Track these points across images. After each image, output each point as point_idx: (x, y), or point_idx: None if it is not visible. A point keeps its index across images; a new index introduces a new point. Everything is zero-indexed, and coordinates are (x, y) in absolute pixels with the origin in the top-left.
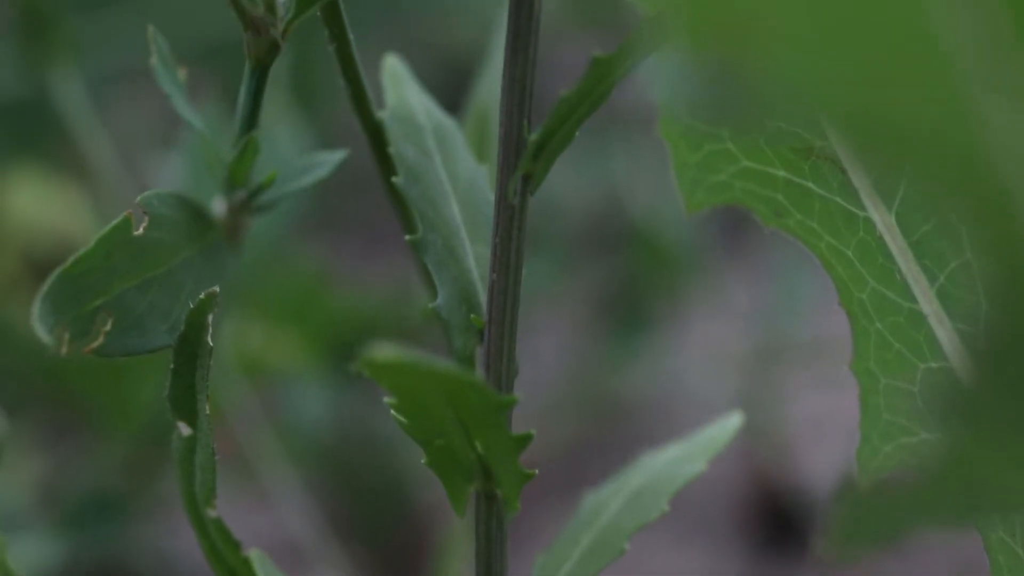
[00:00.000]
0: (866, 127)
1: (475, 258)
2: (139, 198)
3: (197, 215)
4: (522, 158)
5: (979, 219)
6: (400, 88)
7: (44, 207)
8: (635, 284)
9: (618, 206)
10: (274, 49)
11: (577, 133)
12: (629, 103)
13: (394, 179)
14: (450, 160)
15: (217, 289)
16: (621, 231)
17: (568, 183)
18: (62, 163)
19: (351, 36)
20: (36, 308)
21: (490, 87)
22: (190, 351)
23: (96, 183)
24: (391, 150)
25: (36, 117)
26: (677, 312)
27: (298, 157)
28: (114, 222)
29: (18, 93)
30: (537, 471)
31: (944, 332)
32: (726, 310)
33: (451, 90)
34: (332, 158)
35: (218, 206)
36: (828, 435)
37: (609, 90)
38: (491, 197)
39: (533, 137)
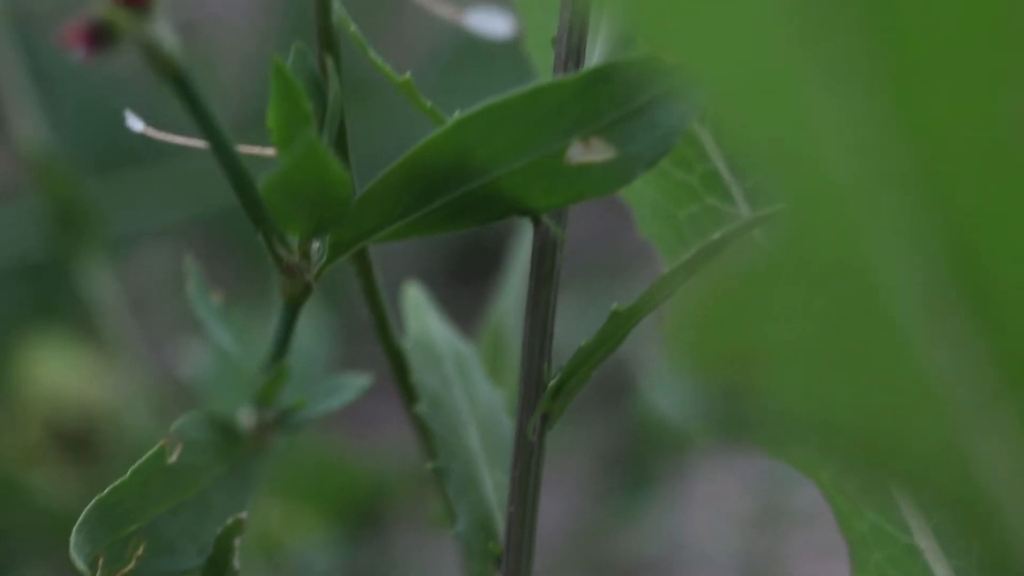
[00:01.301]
0: (863, 449)
1: (493, 485)
2: (173, 426)
3: (227, 433)
4: (542, 399)
5: (971, 531)
6: (421, 317)
7: (66, 375)
8: (638, 440)
9: (622, 357)
10: (307, 290)
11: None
12: (637, 248)
13: (417, 408)
14: (469, 387)
15: (244, 515)
16: (625, 384)
17: (573, 330)
18: (83, 328)
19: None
20: (73, 537)
21: (506, 306)
22: (216, 573)
23: (116, 352)
24: (414, 379)
25: (56, 281)
26: (681, 469)
27: (325, 377)
28: (150, 452)
29: (39, 257)
30: None
31: (940, 568)
32: (730, 468)
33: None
34: (357, 383)
35: (246, 418)
36: None
37: (624, 336)
38: (508, 423)
39: (553, 382)
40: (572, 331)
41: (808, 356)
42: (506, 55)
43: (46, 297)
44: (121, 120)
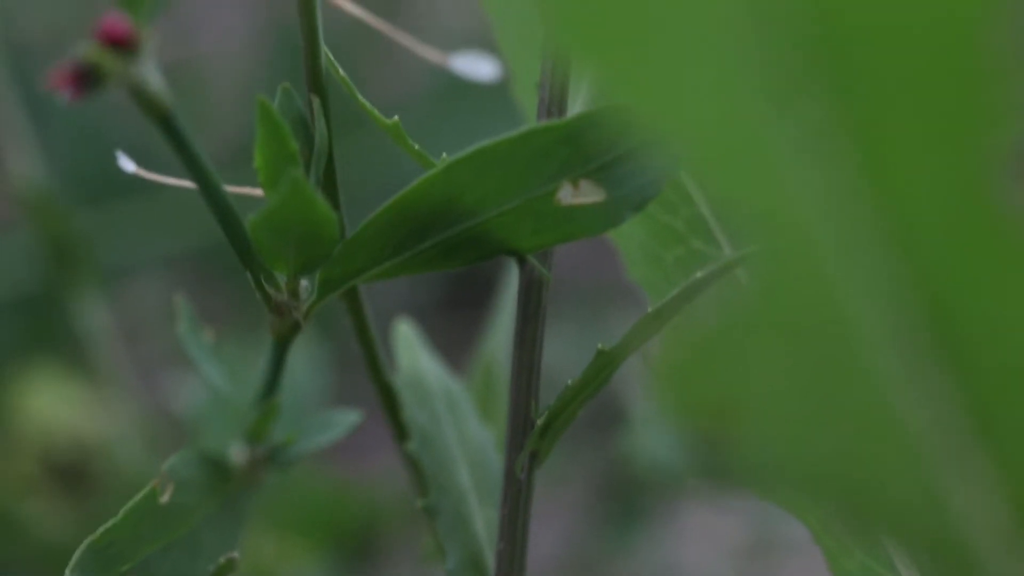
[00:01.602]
0: (843, 498)
1: (484, 522)
2: (165, 466)
3: (218, 470)
4: (529, 437)
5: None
6: (412, 353)
7: (59, 407)
8: (630, 470)
9: (614, 386)
10: (296, 328)
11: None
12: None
13: (408, 446)
14: (459, 424)
15: (236, 554)
16: (616, 413)
17: (562, 359)
18: (75, 360)
19: (367, 312)
20: None
21: (497, 341)
22: None
23: (108, 384)
24: (405, 416)
25: (49, 313)
26: (673, 499)
27: (316, 412)
28: (142, 492)
29: (32, 289)
30: None
31: None
32: (722, 499)
33: None
34: (348, 419)
35: (237, 455)
36: None
37: (610, 376)
38: (498, 461)
39: (540, 421)
40: (562, 360)
41: (786, 408)
42: (495, 92)
43: (39, 329)
44: (114, 151)
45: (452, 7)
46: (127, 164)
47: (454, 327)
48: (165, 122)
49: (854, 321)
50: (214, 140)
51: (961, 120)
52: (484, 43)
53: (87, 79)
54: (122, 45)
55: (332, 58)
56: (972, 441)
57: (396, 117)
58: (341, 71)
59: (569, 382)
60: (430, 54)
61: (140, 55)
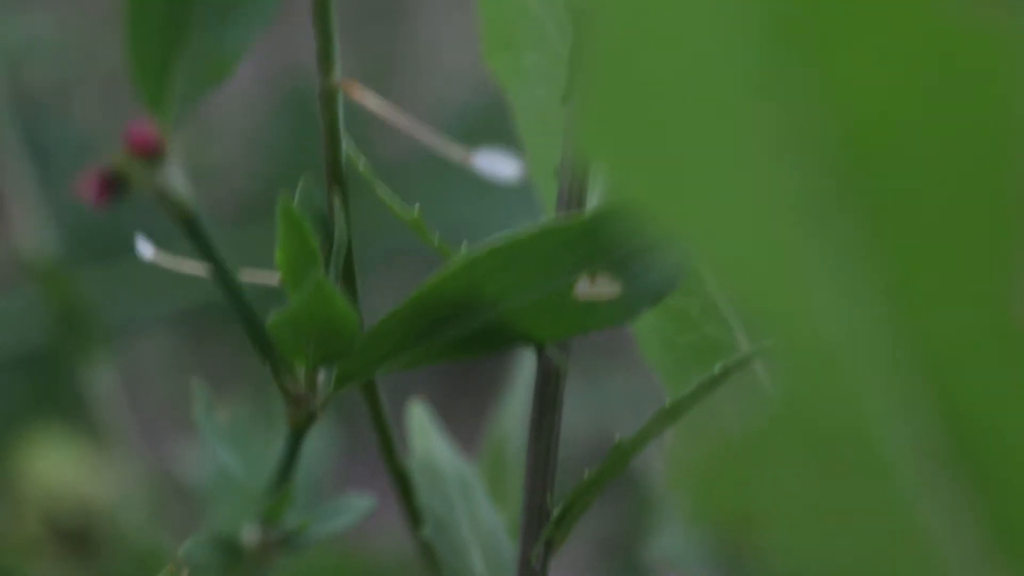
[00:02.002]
0: None
1: None
2: (181, 551)
3: (231, 552)
4: (545, 527)
5: None
6: (426, 437)
7: (65, 470)
8: (639, 526)
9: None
10: (312, 419)
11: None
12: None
13: (423, 532)
14: (472, 509)
15: None
16: (627, 472)
17: (573, 416)
18: (81, 422)
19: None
20: None
21: (508, 424)
22: None
23: (114, 446)
24: (419, 501)
25: (55, 374)
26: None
27: (330, 497)
28: None
29: (37, 349)
30: None
31: None
32: None
33: None
34: (362, 504)
35: (249, 536)
36: None
37: (626, 466)
38: (510, 546)
39: (556, 511)
40: (570, 418)
41: (809, 518)
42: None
43: (44, 389)
44: (120, 206)
45: (452, 46)
46: (145, 250)
47: (462, 409)
48: (189, 224)
49: (876, 434)
50: (222, 190)
51: (988, 244)
52: (482, 86)
53: (114, 186)
54: (149, 153)
55: (352, 153)
56: (991, 555)
57: (417, 207)
58: (362, 164)
59: (585, 474)
60: (454, 152)
61: (166, 161)
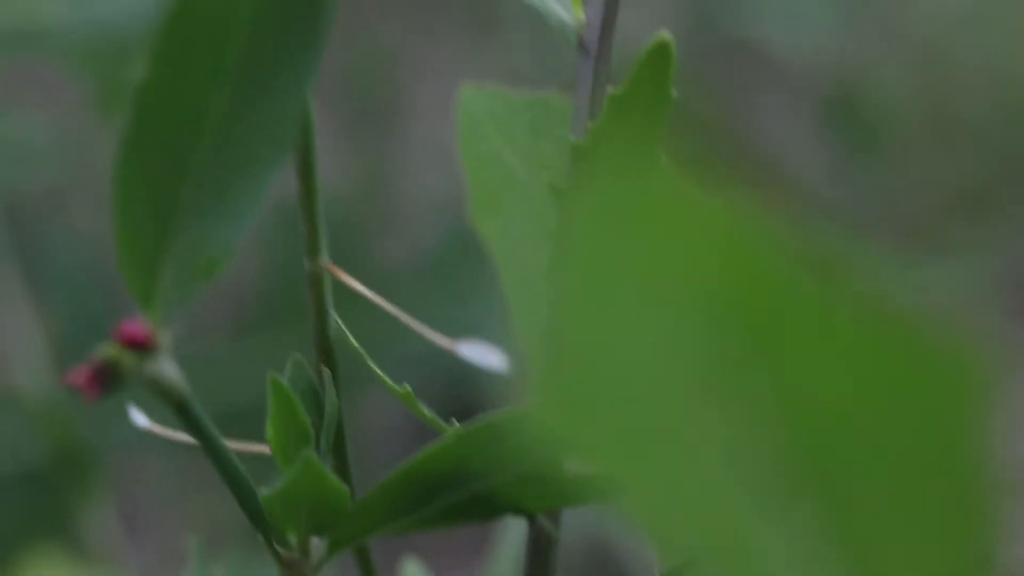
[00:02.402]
0: None
1: None
2: None
3: None
4: None
5: None
6: None
7: None
8: None
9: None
10: None
11: None
12: None
13: None
14: None
15: None
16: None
17: None
18: (77, 544)
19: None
20: None
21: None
22: None
23: (109, 569)
24: None
25: (52, 496)
26: None
27: None
28: None
29: (34, 471)
30: None
31: None
32: None
33: None
34: None
35: None
36: None
37: None
38: None
39: None
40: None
41: None
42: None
43: (40, 510)
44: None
45: (445, 149)
46: (139, 418)
47: (455, 555)
48: (180, 408)
49: None
50: (213, 308)
51: (945, 531)
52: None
53: (106, 377)
54: (139, 348)
55: (342, 325)
56: None
57: (407, 385)
58: (353, 340)
59: None
60: (440, 339)
61: (157, 352)
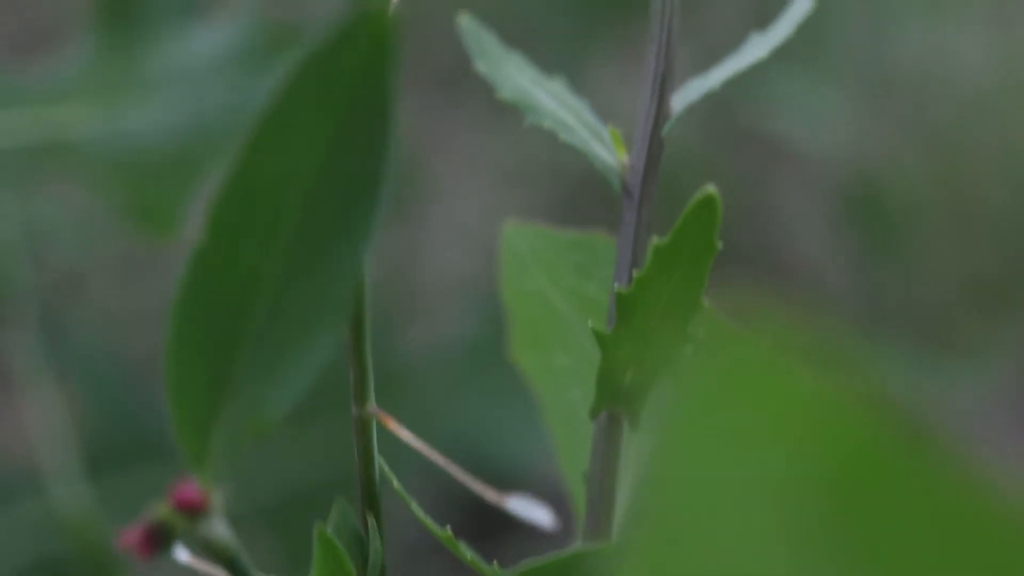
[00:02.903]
0: None
1: None
2: None
3: None
4: None
5: None
6: None
7: None
8: None
9: None
10: None
11: None
12: None
13: None
14: None
15: None
16: None
17: None
18: None
19: None
20: None
21: None
22: None
23: None
24: None
25: None
26: None
27: None
28: None
29: (53, 554)
30: None
31: None
32: None
33: None
34: None
35: None
36: None
37: None
38: None
39: None
40: None
41: None
42: None
43: None
44: (140, 410)
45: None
46: (181, 554)
47: None
48: (230, 564)
49: None
50: None
51: None
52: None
53: (159, 539)
54: (193, 511)
55: (387, 469)
56: None
57: (448, 528)
58: (396, 483)
59: None
60: (489, 494)
61: (209, 514)
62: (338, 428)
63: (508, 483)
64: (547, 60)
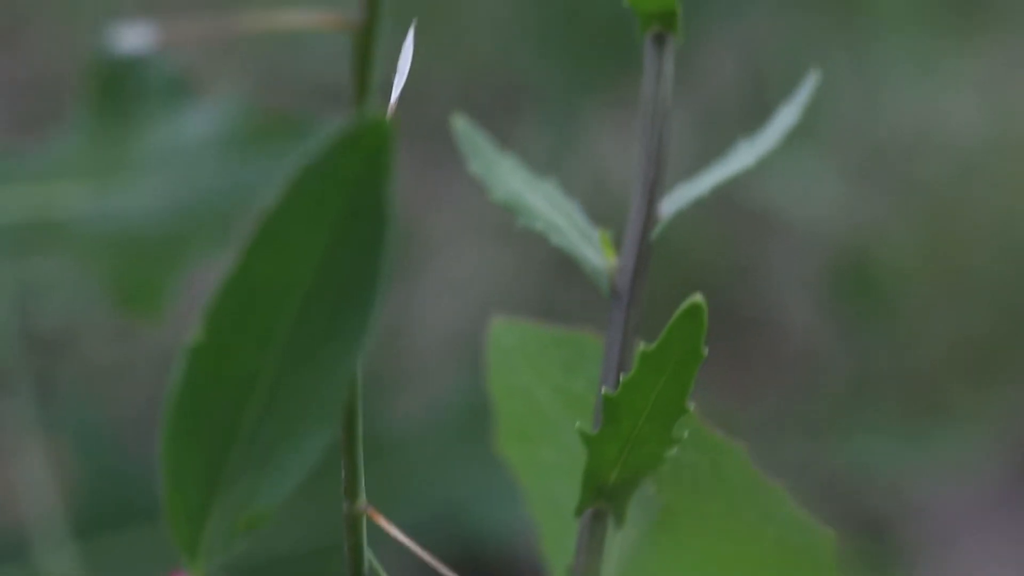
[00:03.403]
0: None
1: None
2: None
3: None
4: None
5: None
6: None
7: None
8: None
9: None
10: None
11: None
12: None
13: None
14: None
15: None
16: None
17: None
18: None
19: None
20: None
21: None
22: None
23: None
24: None
25: None
26: None
27: None
28: None
29: None
30: None
31: None
32: None
33: None
34: None
35: None
36: None
37: None
38: None
39: None
40: None
41: None
42: None
43: None
44: (130, 472)
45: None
46: None
47: None
48: None
49: None
50: None
51: None
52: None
53: None
54: None
55: (375, 563)
56: None
57: None
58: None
59: None
60: None
61: None
62: (327, 497)
63: (496, 551)
64: (544, 114)
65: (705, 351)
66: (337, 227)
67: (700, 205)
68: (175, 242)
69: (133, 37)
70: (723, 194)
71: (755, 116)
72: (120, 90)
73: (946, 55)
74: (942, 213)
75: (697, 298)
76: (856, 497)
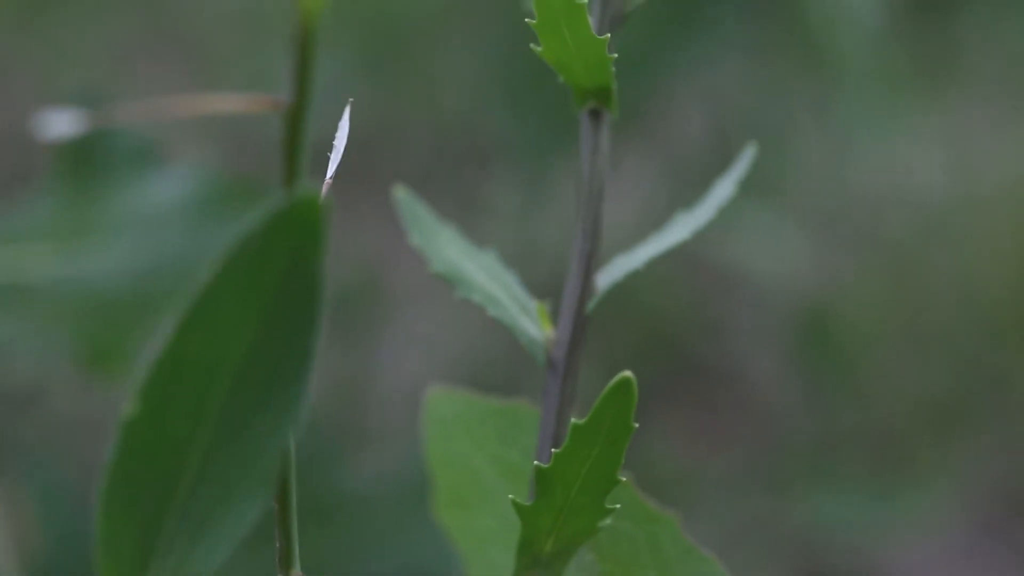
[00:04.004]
0: None
1: None
2: None
3: None
4: None
5: None
6: None
7: None
8: None
9: None
10: None
11: None
12: None
13: None
14: None
15: None
16: None
17: None
18: None
19: None
20: None
21: None
22: None
23: None
24: None
25: None
26: None
27: None
28: None
29: None
30: None
31: None
32: None
33: None
34: None
35: None
36: None
37: None
38: None
39: None
40: None
41: None
42: None
43: None
44: (90, 534)
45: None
46: None
47: None
48: None
49: None
50: None
51: None
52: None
53: None
54: None
55: None
56: None
57: None
58: None
59: None
60: None
61: None
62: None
63: None
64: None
65: (635, 425)
66: (269, 302)
67: (667, 261)
68: (141, 304)
69: (61, 124)
70: (689, 251)
71: (721, 168)
72: (89, 156)
73: (911, 112)
74: (906, 270)
75: (627, 373)
76: (819, 552)
